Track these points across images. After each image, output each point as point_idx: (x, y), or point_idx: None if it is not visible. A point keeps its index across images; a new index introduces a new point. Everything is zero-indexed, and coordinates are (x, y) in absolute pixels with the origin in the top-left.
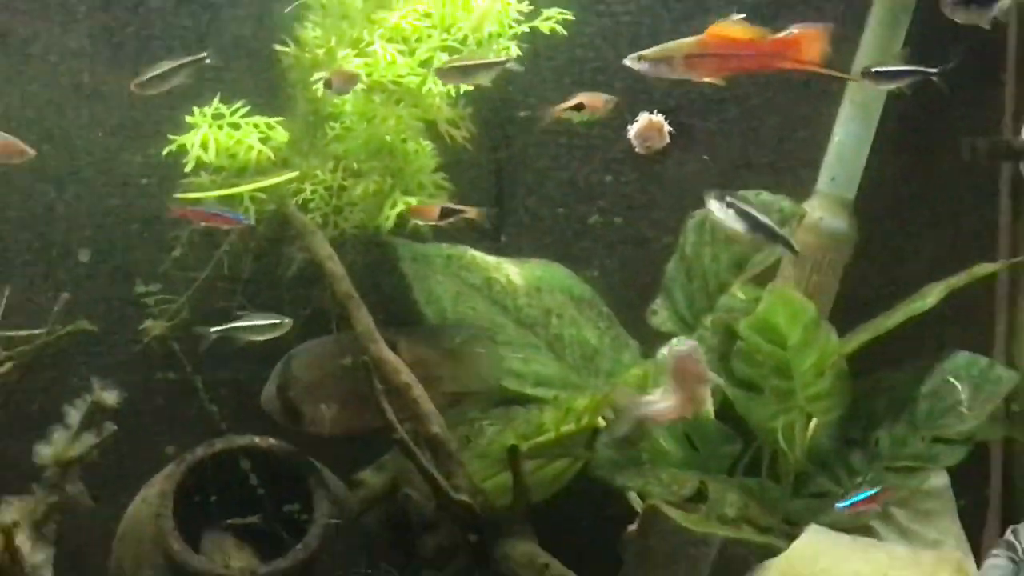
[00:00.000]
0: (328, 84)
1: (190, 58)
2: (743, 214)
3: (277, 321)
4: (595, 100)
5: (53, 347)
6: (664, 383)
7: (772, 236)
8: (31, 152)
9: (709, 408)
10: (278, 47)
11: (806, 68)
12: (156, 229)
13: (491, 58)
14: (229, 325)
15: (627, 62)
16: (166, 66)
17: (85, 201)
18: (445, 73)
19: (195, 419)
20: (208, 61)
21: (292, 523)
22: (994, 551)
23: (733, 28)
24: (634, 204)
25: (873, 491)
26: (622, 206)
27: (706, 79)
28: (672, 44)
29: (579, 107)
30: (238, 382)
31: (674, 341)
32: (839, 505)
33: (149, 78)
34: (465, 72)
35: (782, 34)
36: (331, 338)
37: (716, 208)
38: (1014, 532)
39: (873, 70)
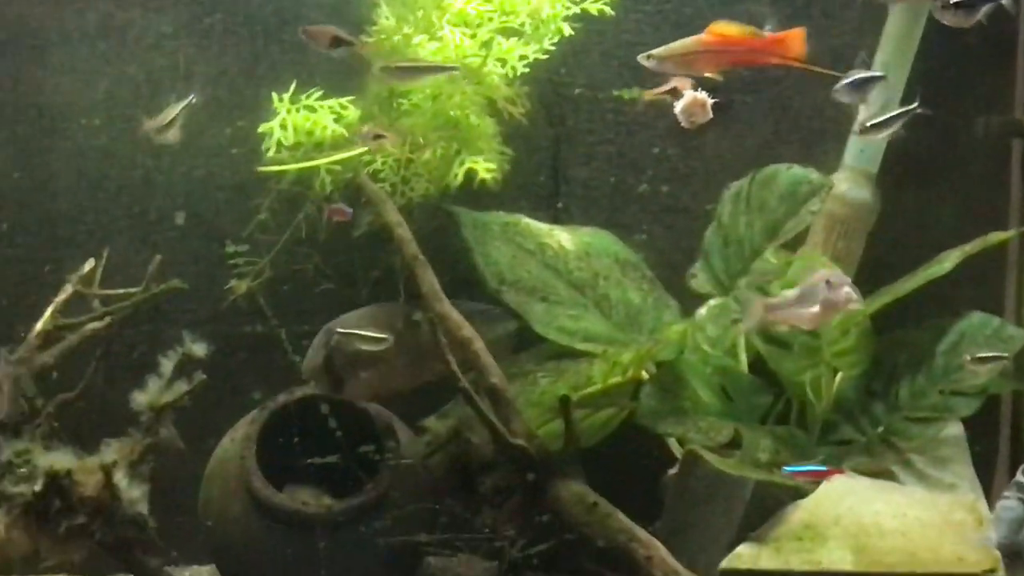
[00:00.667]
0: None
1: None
2: None
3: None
4: (685, 83)
5: (148, 304)
6: (801, 292)
7: None
8: None
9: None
10: (361, 38)
11: (792, 64)
12: (242, 196)
13: (433, 62)
14: (352, 331)
15: (640, 59)
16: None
17: (179, 170)
18: (388, 73)
19: (278, 369)
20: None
21: (366, 464)
22: (1006, 493)
23: (729, 28)
24: (678, 175)
25: (821, 468)
26: (667, 177)
27: (706, 74)
28: (676, 43)
29: (673, 92)
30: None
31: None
32: (785, 469)
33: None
34: (408, 73)
35: (771, 33)
36: (367, 310)
37: None
38: None
39: (869, 124)
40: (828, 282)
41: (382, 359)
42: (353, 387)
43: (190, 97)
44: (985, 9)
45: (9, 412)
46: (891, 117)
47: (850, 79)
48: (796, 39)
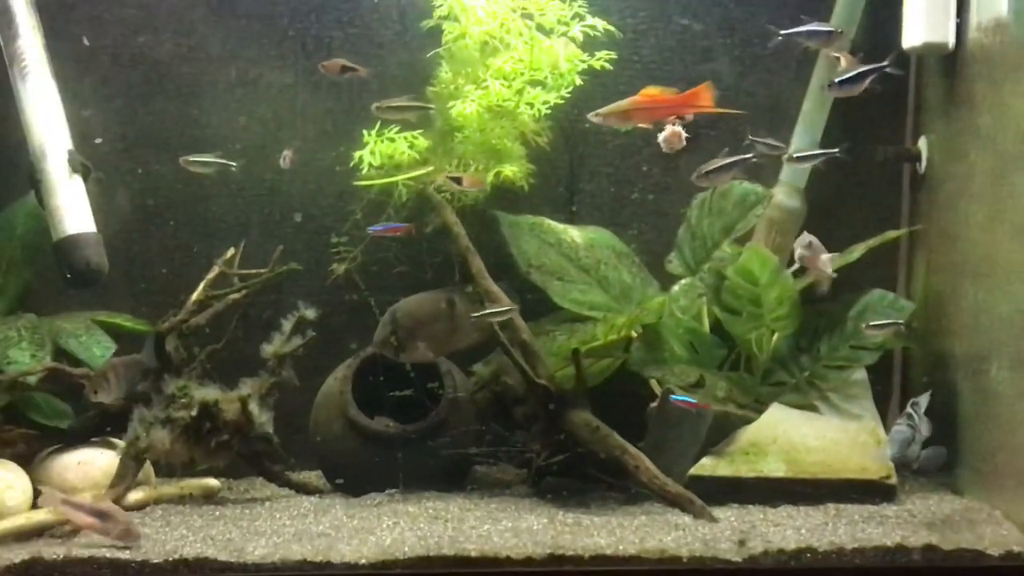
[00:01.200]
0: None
1: (419, 104)
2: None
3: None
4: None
5: (273, 280)
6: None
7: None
8: None
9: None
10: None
11: (706, 111)
12: (342, 202)
13: (420, 102)
14: (485, 312)
15: (590, 117)
16: (397, 101)
17: (297, 183)
18: (383, 111)
19: (368, 327)
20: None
21: (431, 397)
22: (898, 421)
23: (655, 91)
24: (659, 187)
25: (694, 400)
26: (652, 189)
27: (640, 125)
28: (617, 104)
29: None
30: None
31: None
32: (672, 397)
33: (387, 107)
34: (398, 111)
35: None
36: (423, 295)
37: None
38: (912, 406)
39: (796, 156)
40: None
41: (431, 333)
42: (410, 353)
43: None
44: (867, 82)
45: (119, 396)
46: (814, 155)
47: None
48: (704, 93)
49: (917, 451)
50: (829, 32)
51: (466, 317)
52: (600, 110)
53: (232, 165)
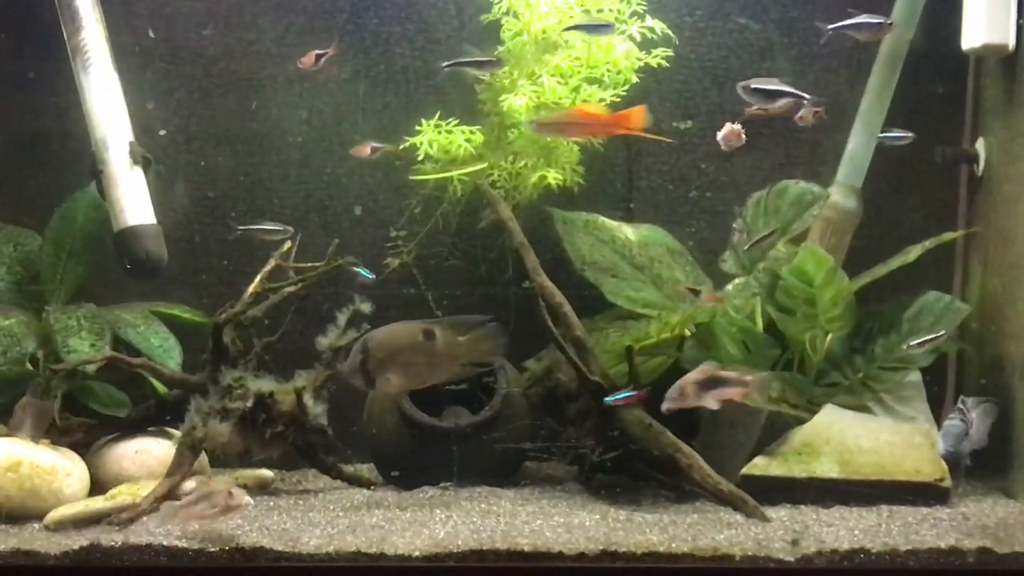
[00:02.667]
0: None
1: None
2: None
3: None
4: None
5: (329, 274)
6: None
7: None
8: None
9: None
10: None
11: (635, 133)
12: (399, 196)
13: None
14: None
15: (526, 129)
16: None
17: (356, 176)
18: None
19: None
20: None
21: (486, 391)
22: (950, 415)
23: (590, 107)
24: (716, 185)
25: (631, 394)
26: (708, 187)
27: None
28: (552, 115)
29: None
30: (455, 296)
31: (736, 280)
32: (607, 399)
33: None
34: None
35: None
36: (399, 325)
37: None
38: (963, 401)
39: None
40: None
41: (405, 364)
42: (380, 384)
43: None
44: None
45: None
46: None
47: None
48: (638, 115)
49: (969, 446)
50: (879, 23)
51: (447, 350)
52: (536, 119)
53: (288, 232)
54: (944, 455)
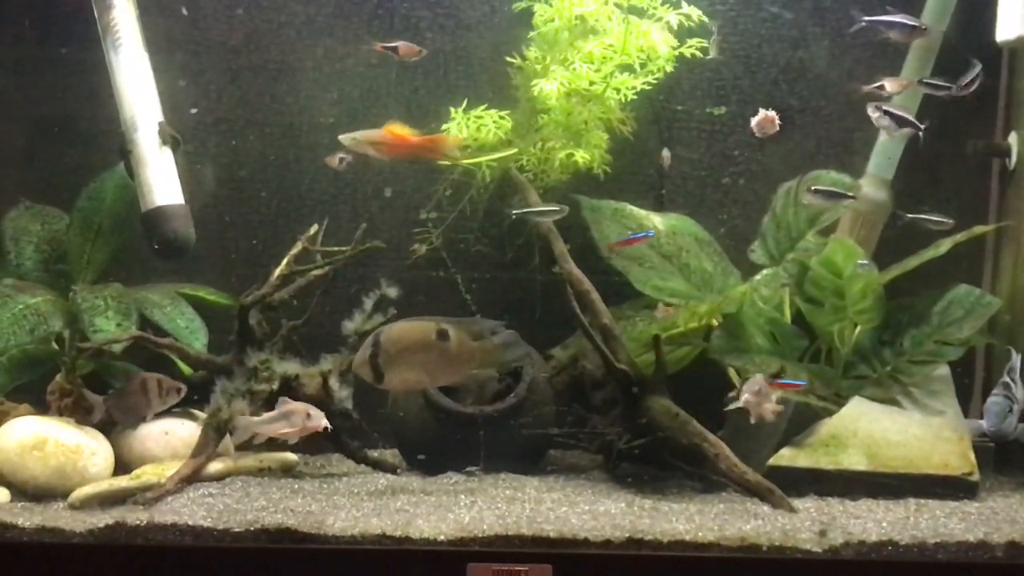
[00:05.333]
0: None
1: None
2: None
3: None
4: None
5: (356, 257)
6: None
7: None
8: None
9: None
10: (510, 61)
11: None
12: (428, 180)
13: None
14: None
15: (340, 138)
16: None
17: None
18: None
19: (452, 304)
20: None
21: (513, 377)
22: (995, 391)
23: (400, 128)
24: (747, 173)
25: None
26: (740, 174)
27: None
28: (365, 133)
29: (882, 87)
30: (485, 280)
31: (764, 271)
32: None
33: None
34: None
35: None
36: (413, 322)
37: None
38: (1009, 372)
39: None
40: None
41: (416, 362)
42: (390, 380)
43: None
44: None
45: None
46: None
47: None
48: (443, 143)
49: (1014, 423)
50: (913, 26)
51: (460, 352)
52: (352, 134)
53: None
54: (989, 432)
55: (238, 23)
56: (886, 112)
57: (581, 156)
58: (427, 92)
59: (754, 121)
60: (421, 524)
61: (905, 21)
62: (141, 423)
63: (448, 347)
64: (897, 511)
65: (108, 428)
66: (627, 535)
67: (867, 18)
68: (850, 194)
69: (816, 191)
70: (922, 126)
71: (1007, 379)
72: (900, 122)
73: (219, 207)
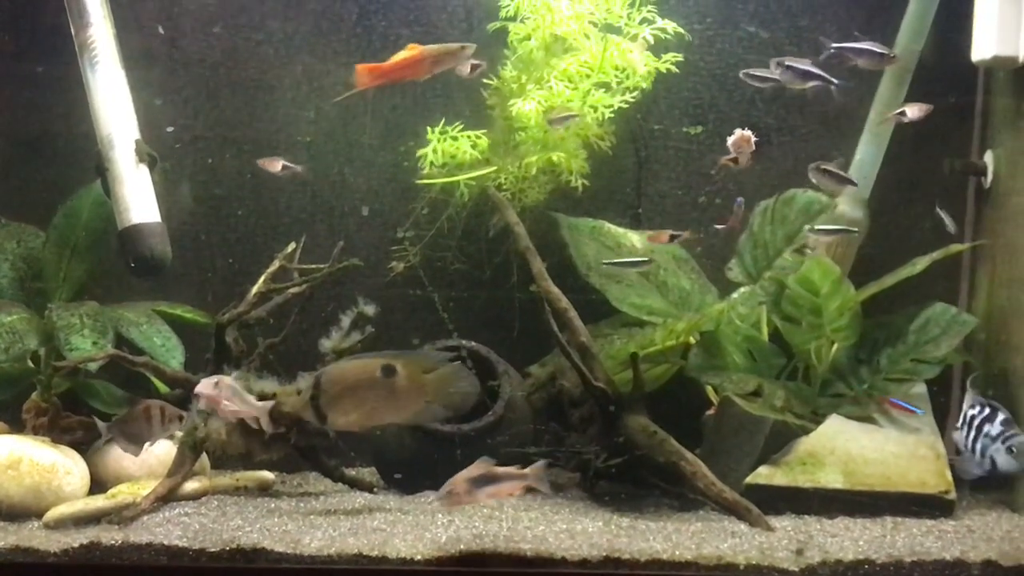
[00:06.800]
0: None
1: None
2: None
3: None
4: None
5: (334, 276)
6: None
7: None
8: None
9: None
10: (486, 81)
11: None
12: (404, 199)
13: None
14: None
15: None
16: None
17: (363, 177)
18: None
19: (429, 323)
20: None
21: (490, 395)
22: (1007, 431)
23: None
24: (724, 192)
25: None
26: (716, 193)
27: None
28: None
29: (902, 114)
30: (463, 298)
31: (742, 289)
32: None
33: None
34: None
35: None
36: (351, 361)
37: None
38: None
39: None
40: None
41: (360, 401)
42: (333, 420)
43: None
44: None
45: None
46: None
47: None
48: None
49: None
50: (882, 54)
51: (409, 387)
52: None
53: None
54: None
55: (216, 41)
56: (788, 67)
57: (558, 156)
58: (404, 111)
59: (730, 140)
60: (398, 543)
61: (874, 49)
62: (142, 450)
63: (395, 383)
64: (874, 529)
65: (83, 447)
66: (604, 554)
67: (836, 45)
68: (855, 181)
69: (825, 172)
70: (834, 81)
71: (1006, 415)
72: (805, 76)
73: (196, 225)
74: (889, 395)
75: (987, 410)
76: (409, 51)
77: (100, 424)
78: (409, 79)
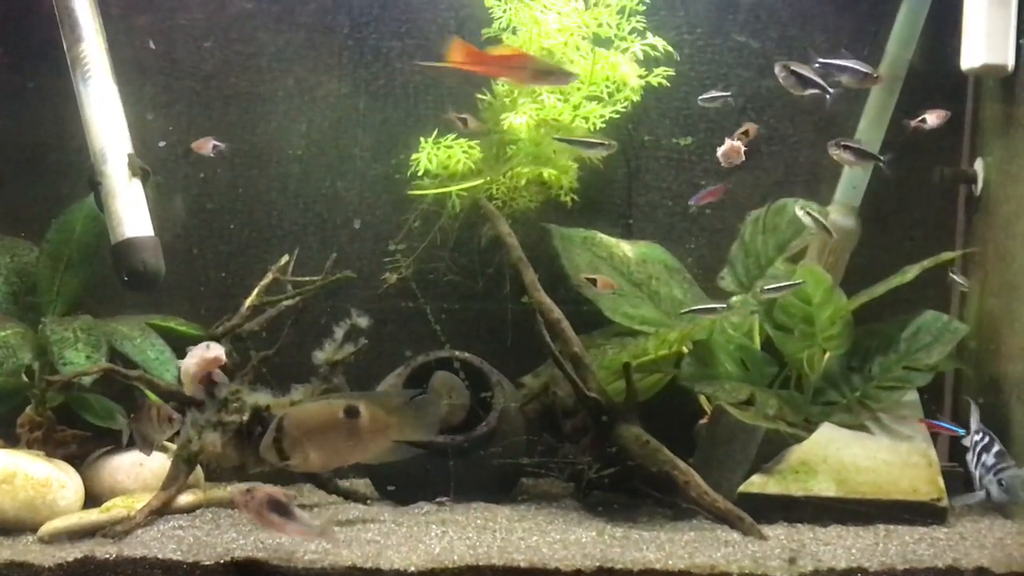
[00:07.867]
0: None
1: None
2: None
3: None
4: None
5: (327, 288)
6: None
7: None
8: None
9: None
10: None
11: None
12: (398, 211)
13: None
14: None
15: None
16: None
17: (355, 189)
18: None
19: (422, 334)
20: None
21: (483, 406)
22: (997, 463)
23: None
24: (715, 203)
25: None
26: (708, 204)
27: None
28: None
29: (923, 120)
30: (454, 311)
31: (735, 299)
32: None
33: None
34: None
35: None
36: (318, 404)
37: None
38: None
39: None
40: None
41: (323, 443)
42: (297, 463)
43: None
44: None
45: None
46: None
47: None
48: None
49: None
50: (865, 73)
51: (373, 427)
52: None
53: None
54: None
55: (207, 55)
56: (846, 147)
57: (549, 173)
58: (396, 122)
59: (720, 151)
60: (392, 555)
61: (858, 67)
62: (153, 449)
63: (358, 424)
64: (866, 537)
65: (77, 461)
66: (598, 564)
67: (821, 60)
68: (881, 157)
69: (846, 147)
70: (883, 158)
71: (1000, 447)
72: (860, 155)
73: (189, 238)
74: (880, 402)
75: (987, 439)
76: (512, 51)
77: (122, 422)
78: (497, 78)
